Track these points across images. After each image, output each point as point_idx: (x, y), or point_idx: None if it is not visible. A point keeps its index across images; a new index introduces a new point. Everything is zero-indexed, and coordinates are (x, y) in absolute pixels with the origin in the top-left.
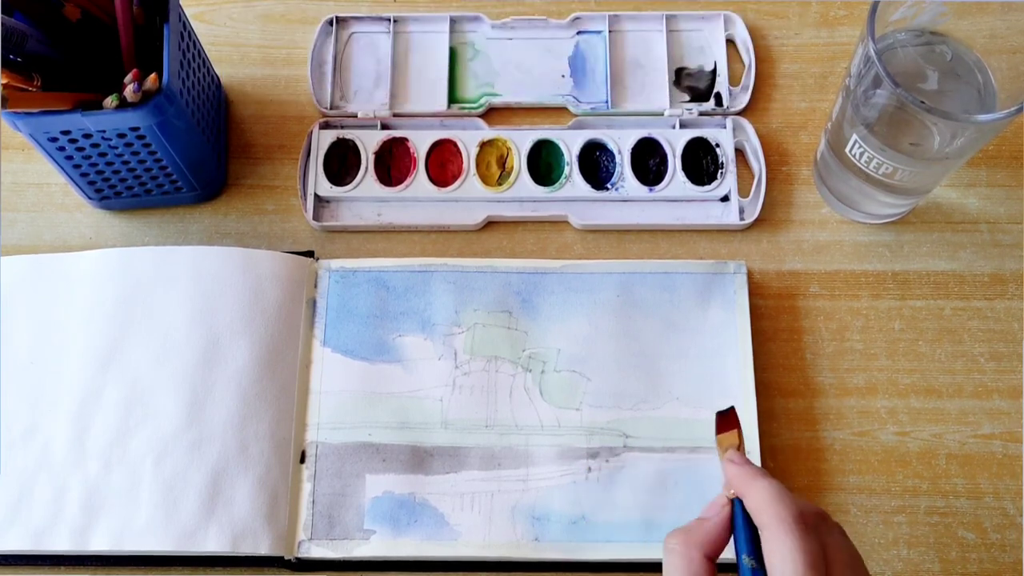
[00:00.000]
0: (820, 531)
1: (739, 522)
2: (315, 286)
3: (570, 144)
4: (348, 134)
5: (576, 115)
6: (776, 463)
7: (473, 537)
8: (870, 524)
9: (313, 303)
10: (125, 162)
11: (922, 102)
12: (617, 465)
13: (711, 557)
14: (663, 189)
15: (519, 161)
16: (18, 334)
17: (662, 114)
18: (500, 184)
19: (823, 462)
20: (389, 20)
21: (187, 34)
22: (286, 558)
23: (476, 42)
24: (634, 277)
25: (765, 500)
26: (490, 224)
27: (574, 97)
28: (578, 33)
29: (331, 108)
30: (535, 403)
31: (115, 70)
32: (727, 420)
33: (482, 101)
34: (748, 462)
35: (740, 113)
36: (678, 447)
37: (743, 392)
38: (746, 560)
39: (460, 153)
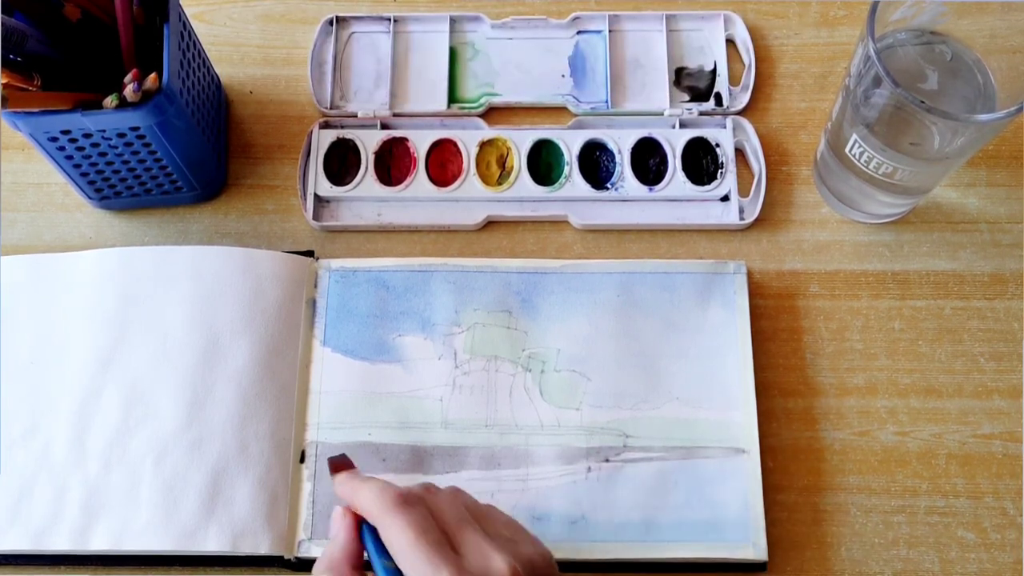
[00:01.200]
0: (425, 500)
1: (367, 537)
2: (315, 286)
3: (570, 144)
4: (348, 134)
5: (576, 115)
6: (776, 463)
7: None
8: (870, 524)
9: (313, 303)
10: (125, 162)
11: (922, 102)
12: (617, 465)
13: (358, 567)
14: (663, 189)
15: (519, 161)
16: (18, 334)
17: (662, 114)
18: (500, 184)
19: (823, 462)
20: (389, 20)
21: (187, 34)
22: (286, 558)
23: (476, 42)
24: (634, 277)
25: (370, 499)
26: (490, 224)
27: (574, 97)
28: (578, 33)
29: (331, 108)
30: (535, 403)
31: (115, 70)
32: (341, 463)
33: (482, 101)
34: (354, 476)
35: (740, 113)
36: (678, 447)
37: (743, 392)
38: (384, 564)
39: (460, 153)
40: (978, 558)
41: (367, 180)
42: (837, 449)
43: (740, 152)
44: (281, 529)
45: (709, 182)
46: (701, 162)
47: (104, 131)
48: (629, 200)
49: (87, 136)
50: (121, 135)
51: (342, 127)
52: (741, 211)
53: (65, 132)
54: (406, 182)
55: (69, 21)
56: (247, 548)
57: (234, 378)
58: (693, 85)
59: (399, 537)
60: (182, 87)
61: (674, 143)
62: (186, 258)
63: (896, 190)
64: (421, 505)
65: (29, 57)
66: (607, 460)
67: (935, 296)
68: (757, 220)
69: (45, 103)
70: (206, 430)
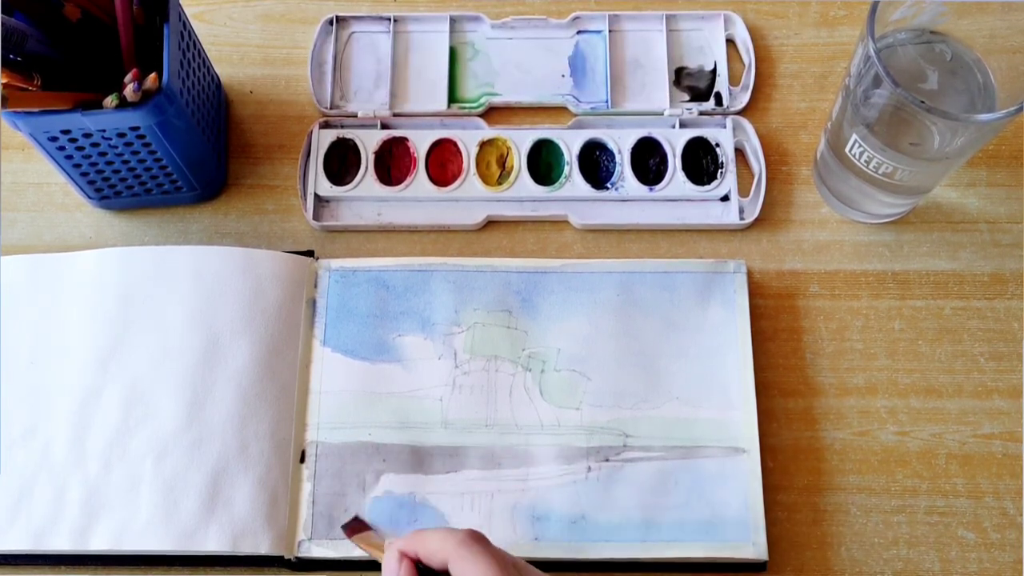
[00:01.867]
0: (489, 545)
1: None
2: (315, 286)
3: (570, 144)
4: (348, 134)
5: (576, 115)
6: (776, 463)
7: None
8: (870, 524)
9: (313, 303)
10: (125, 162)
11: (922, 102)
12: (617, 465)
13: None
14: (663, 189)
15: (519, 161)
16: (18, 334)
17: (662, 114)
18: (500, 184)
19: (823, 462)
20: (389, 20)
21: (187, 34)
22: (286, 558)
23: (476, 42)
24: (634, 276)
25: (440, 541)
26: (490, 224)
27: (574, 97)
28: (578, 33)
29: (331, 108)
30: (535, 403)
31: (115, 70)
32: (357, 526)
33: (482, 101)
34: (404, 539)
35: (740, 113)
36: (678, 447)
37: (743, 392)
38: None
39: (460, 153)
40: (978, 558)
41: (367, 180)
42: (837, 449)
43: (740, 152)
44: (281, 529)
45: (709, 182)
46: (701, 162)
47: (104, 131)
48: (629, 200)
49: (87, 136)
50: (121, 135)
51: (342, 127)
52: (741, 211)
53: (65, 132)
54: (406, 182)
55: (69, 21)
56: (247, 548)
57: (234, 378)
58: (693, 85)
59: (483, 570)
60: (182, 87)
61: (674, 143)
62: (186, 258)
63: (896, 190)
64: (489, 546)
65: (29, 57)
66: (607, 460)
67: (935, 296)
68: (757, 220)
69: (45, 103)
70: (206, 430)
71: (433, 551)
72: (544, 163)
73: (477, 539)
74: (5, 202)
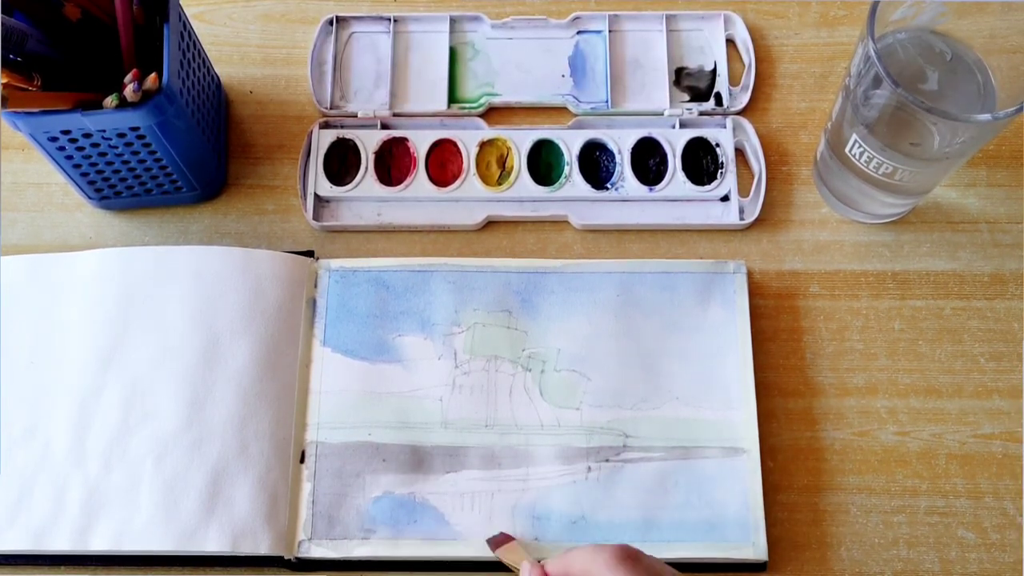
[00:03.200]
0: (642, 560)
1: None
2: (315, 286)
3: (570, 144)
4: (348, 134)
5: (576, 115)
6: (776, 463)
7: (473, 537)
8: (870, 524)
9: (313, 303)
10: (125, 162)
11: (922, 102)
12: (617, 465)
13: None
14: (663, 189)
15: (519, 161)
16: (18, 334)
17: (662, 114)
18: (500, 184)
19: (823, 462)
20: (389, 20)
21: (187, 34)
22: (286, 558)
23: (476, 42)
24: (634, 277)
25: (587, 559)
26: (490, 224)
27: (574, 97)
28: (578, 33)
29: (331, 108)
30: (535, 403)
31: (115, 70)
32: (501, 539)
33: (482, 101)
34: (552, 559)
35: (740, 113)
36: (678, 447)
37: (743, 392)
38: None
39: (460, 153)
40: (978, 558)
41: (367, 180)
42: (837, 449)
43: (740, 152)
44: (281, 529)
45: (709, 182)
46: (701, 162)
47: (104, 131)
48: (629, 200)
49: (87, 136)
50: (121, 135)
51: (342, 127)
52: (741, 211)
53: (65, 132)
54: (406, 182)
55: (69, 21)
56: (247, 548)
57: (234, 378)
58: (693, 85)
59: None
60: (182, 87)
61: (674, 143)
62: (186, 258)
63: (896, 190)
64: (641, 562)
65: (29, 57)
66: (607, 460)
67: (935, 296)
68: (757, 220)
69: (45, 103)
70: (206, 430)
71: (581, 571)
72: (544, 163)
73: (626, 557)
74: (5, 202)
